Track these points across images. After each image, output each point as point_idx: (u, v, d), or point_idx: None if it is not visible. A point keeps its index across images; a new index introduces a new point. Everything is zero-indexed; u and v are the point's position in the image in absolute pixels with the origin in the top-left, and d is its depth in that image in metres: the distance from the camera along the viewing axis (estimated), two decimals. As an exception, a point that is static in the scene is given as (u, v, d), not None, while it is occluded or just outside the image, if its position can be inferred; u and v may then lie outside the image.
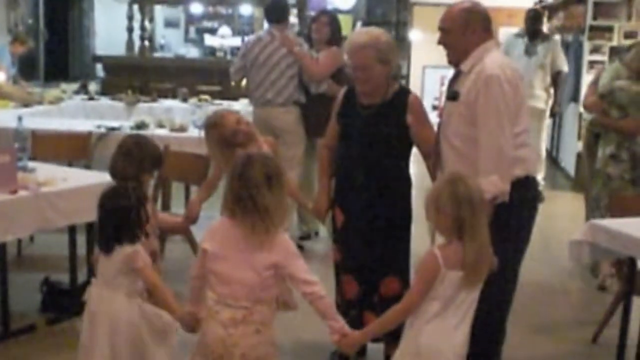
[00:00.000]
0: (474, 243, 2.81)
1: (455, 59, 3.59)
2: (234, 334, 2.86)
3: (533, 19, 8.47)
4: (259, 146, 3.98)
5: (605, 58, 8.94)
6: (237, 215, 2.87)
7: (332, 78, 6.03)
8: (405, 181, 3.90)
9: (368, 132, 3.80)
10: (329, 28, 6.16)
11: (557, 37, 9.62)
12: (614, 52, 8.83)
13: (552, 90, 8.50)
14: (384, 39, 3.82)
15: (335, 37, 6.17)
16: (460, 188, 2.83)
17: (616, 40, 8.93)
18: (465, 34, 3.53)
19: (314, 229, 6.58)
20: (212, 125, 4.05)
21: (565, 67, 8.49)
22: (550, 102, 8.51)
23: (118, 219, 3.18)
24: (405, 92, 3.90)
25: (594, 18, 9.04)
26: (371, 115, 3.81)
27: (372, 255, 3.85)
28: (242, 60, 6.25)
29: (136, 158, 3.63)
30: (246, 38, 6.81)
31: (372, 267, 3.87)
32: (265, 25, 6.58)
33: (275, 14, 6.26)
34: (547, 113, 8.56)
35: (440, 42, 3.65)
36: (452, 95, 3.59)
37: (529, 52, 8.34)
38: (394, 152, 3.83)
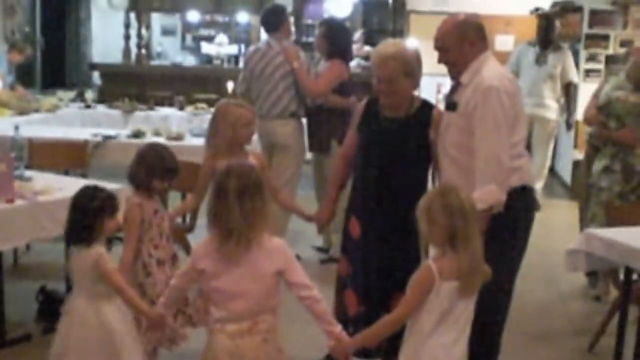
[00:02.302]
0: (467, 253, 2.82)
1: (456, 74, 3.61)
2: (241, 345, 2.87)
3: (545, 27, 8.41)
4: (245, 156, 4.02)
5: (601, 66, 8.99)
6: (215, 232, 2.90)
7: (334, 91, 5.96)
8: (423, 193, 3.83)
9: (391, 145, 3.77)
10: (325, 40, 6.05)
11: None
12: (610, 60, 8.86)
13: (562, 101, 8.51)
14: (411, 52, 3.79)
15: (337, 48, 6.03)
16: (452, 198, 2.84)
17: (612, 48, 8.96)
18: (463, 47, 3.55)
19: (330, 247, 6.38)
20: (238, 105, 4.17)
21: (575, 78, 8.48)
22: (562, 112, 8.53)
23: (77, 216, 3.29)
24: (429, 106, 3.86)
25: (590, 26, 9.08)
26: (395, 128, 3.78)
27: (386, 269, 3.77)
28: (244, 70, 6.24)
29: (148, 164, 3.68)
30: (249, 48, 6.74)
31: (386, 281, 3.76)
32: (262, 34, 6.54)
33: (270, 23, 6.21)
34: (555, 123, 8.55)
35: (440, 61, 3.66)
36: (451, 106, 3.60)
37: (538, 61, 8.31)
38: (415, 165, 3.81)
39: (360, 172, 3.92)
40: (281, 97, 5.98)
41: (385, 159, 3.78)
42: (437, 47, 3.64)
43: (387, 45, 3.83)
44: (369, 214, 3.84)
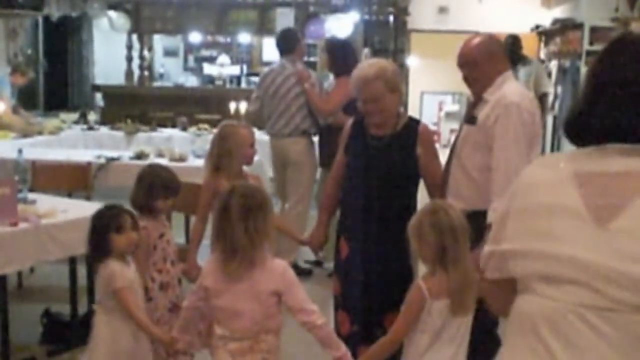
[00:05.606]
0: (457, 271, 2.83)
1: (480, 90, 3.63)
2: None
3: (511, 45, 8.45)
4: (245, 178, 4.03)
5: (602, 83, 9.00)
6: (219, 251, 2.91)
7: (343, 109, 6.00)
8: (413, 212, 3.83)
9: (379, 163, 3.77)
10: (330, 57, 6.26)
11: (545, 60, 9.64)
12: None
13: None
14: (390, 68, 3.82)
15: (342, 65, 6.11)
16: (442, 217, 2.85)
17: (613, 65, 8.97)
18: (491, 63, 3.59)
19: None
20: (243, 126, 4.23)
21: (549, 89, 8.54)
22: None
23: (90, 235, 3.36)
24: (415, 122, 3.88)
25: (591, 43, 9.11)
26: (382, 146, 3.78)
27: (376, 289, 3.75)
28: (258, 90, 6.41)
29: (147, 185, 3.68)
30: (265, 69, 6.90)
31: (375, 301, 3.75)
32: (264, 54, 6.62)
33: (283, 44, 6.41)
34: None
35: (466, 77, 3.68)
36: (471, 120, 3.63)
37: None
38: (403, 183, 3.80)
39: (348, 192, 3.92)
40: (293, 117, 6.15)
41: (373, 177, 3.78)
42: (464, 63, 3.66)
43: (367, 66, 3.85)
44: (357, 233, 3.83)
